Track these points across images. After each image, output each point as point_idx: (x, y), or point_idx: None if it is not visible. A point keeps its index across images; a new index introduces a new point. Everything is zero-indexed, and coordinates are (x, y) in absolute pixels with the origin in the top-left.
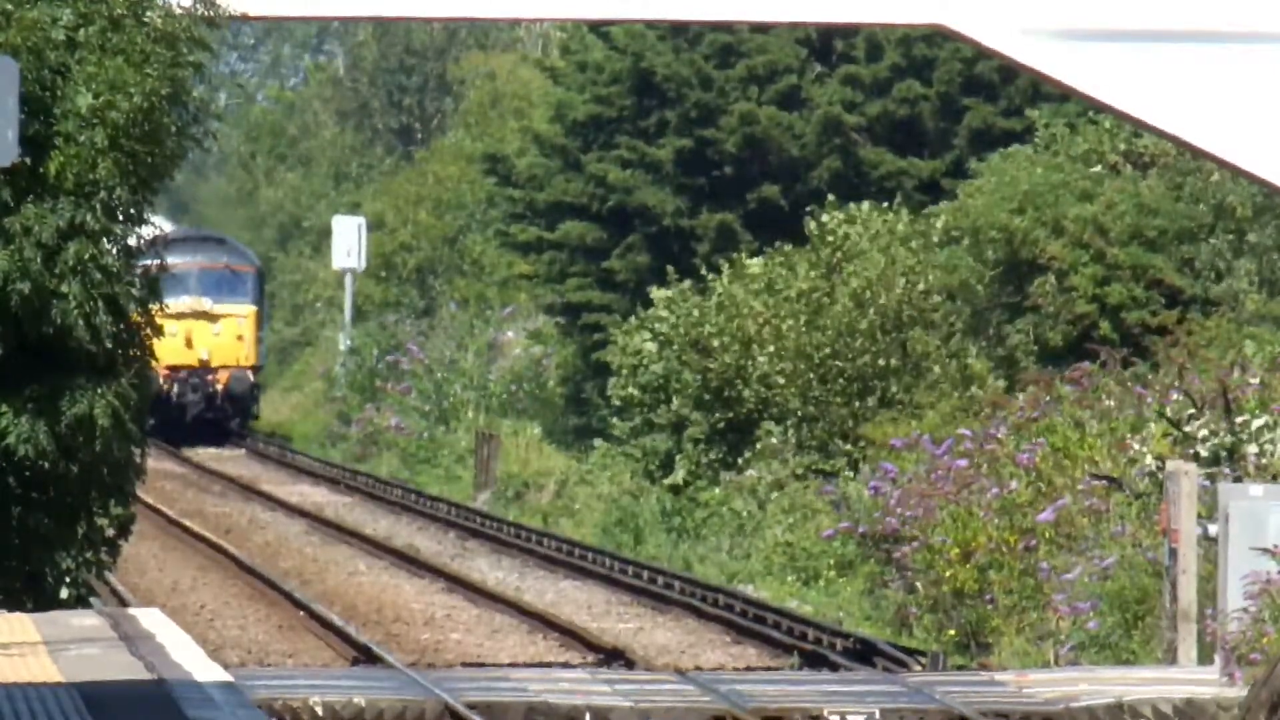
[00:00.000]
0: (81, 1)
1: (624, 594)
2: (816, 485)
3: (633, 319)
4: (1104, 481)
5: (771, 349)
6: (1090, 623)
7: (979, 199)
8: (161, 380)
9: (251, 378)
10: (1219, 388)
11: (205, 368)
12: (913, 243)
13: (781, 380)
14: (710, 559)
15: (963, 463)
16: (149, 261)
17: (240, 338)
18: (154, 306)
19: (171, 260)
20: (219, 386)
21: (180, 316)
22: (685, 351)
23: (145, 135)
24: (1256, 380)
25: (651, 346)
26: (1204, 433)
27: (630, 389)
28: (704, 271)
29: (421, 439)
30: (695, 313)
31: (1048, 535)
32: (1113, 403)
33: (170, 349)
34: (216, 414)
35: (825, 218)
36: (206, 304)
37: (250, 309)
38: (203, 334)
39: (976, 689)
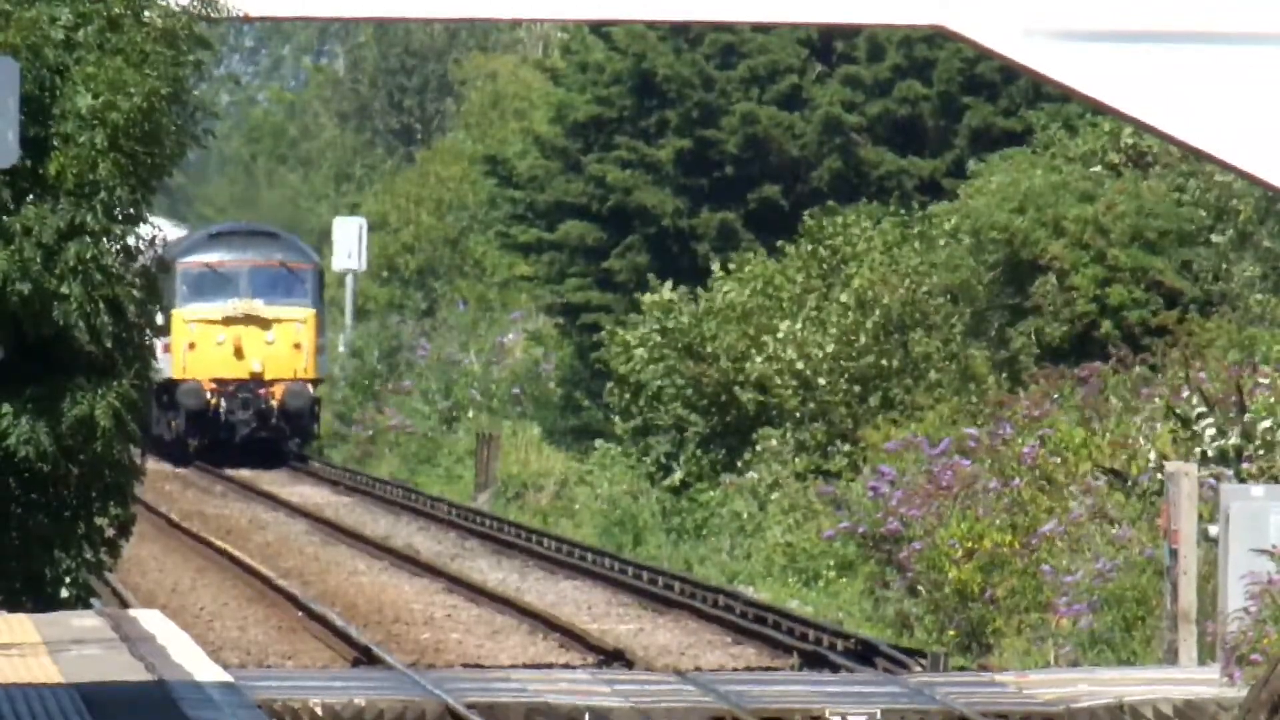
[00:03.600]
0: (80, 1)
1: (624, 595)
2: (817, 486)
3: (620, 326)
4: (1109, 476)
5: (769, 351)
6: (1082, 621)
7: (979, 200)
8: (208, 395)
9: (311, 392)
10: (1232, 387)
11: (257, 380)
12: (915, 244)
13: (778, 382)
14: (710, 560)
15: (966, 462)
16: (149, 261)
17: (298, 346)
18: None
19: (219, 257)
20: (273, 402)
21: (229, 322)
22: (679, 359)
23: (145, 135)
24: (1266, 381)
25: (642, 352)
26: (1211, 432)
27: (624, 395)
28: (703, 272)
29: (425, 438)
30: (686, 319)
31: (1049, 535)
32: (1119, 402)
33: (217, 359)
34: (271, 434)
35: (823, 221)
36: (259, 307)
37: (309, 312)
38: (254, 342)
39: (977, 690)
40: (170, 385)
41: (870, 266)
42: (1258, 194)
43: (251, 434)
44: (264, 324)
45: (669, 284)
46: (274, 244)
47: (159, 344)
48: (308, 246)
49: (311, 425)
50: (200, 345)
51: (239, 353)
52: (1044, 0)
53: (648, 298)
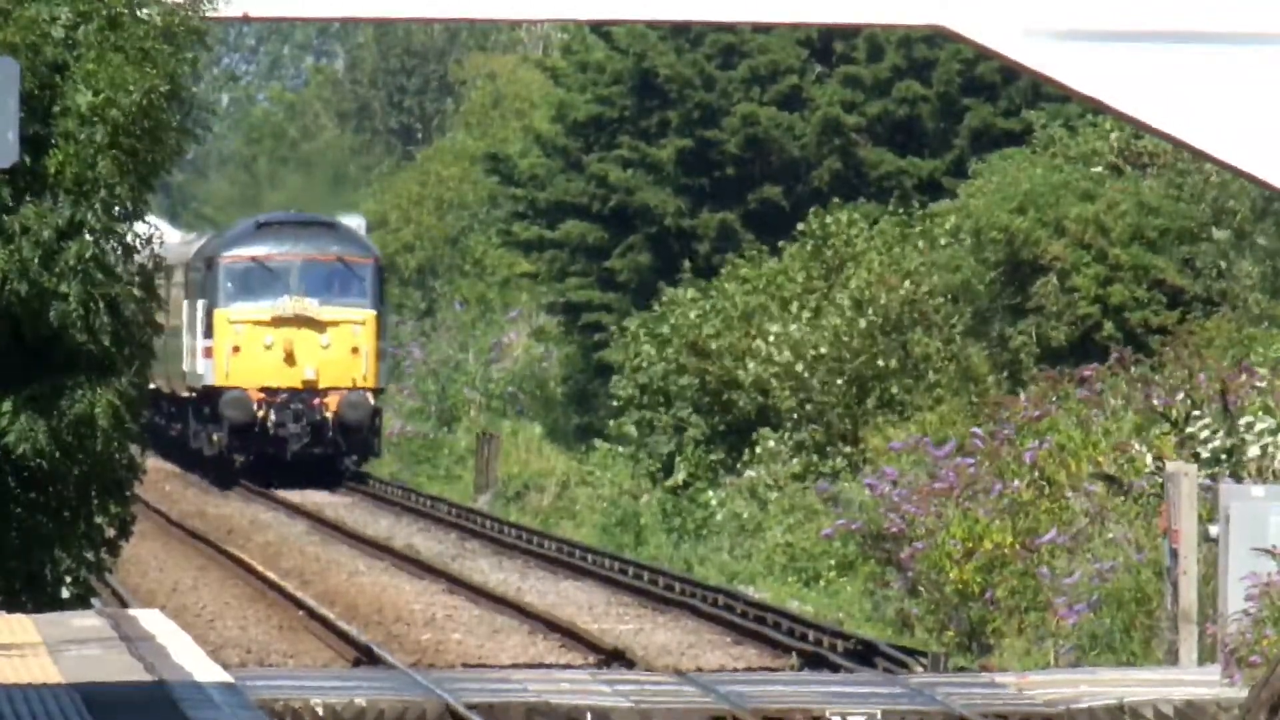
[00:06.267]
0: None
1: (624, 595)
2: (817, 485)
3: (634, 318)
4: (1105, 482)
5: (766, 353)
6: (1071, 617)
7: (980, 199)
8: (254, 405)
9: (371, 402)
10: (1220, 389)
11: (311, 389)
12: (917, 243)
13: (775, 383)
14: (710, 560)
15: (970, 460)
16: (147, 259)
17: (356, 350)
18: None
19: (267, 250)
20: (328, 413)
21: (278, 323)
22: (682, 354)
23: (145, 132)
24: (1263, 383)
25: (650, 348)
26: (1205, 434)
27: (631, 389)
28: (703, 271)
29: (425, 439)
30: (693, 315)
31: (1050, 544)
32: (1121, 401)
33: (266, 365)
34: (325, 449)
35: (828, 219)
36: (312, 307)
37: (368, 313)
38: (308, 346)
39: (977, 690)
40: (212, 394)
41: (868, 268)
42: (1254, 194)
43: (304, 449)
44: (318, 326)
45: (689, 289)
46: (329, 235)
47: (199, 348)
48: (367, 239)
49: (372, 440)
50: (246, 349)
51: (290, 358)
52: (1044, 0)
53: (671, 292)
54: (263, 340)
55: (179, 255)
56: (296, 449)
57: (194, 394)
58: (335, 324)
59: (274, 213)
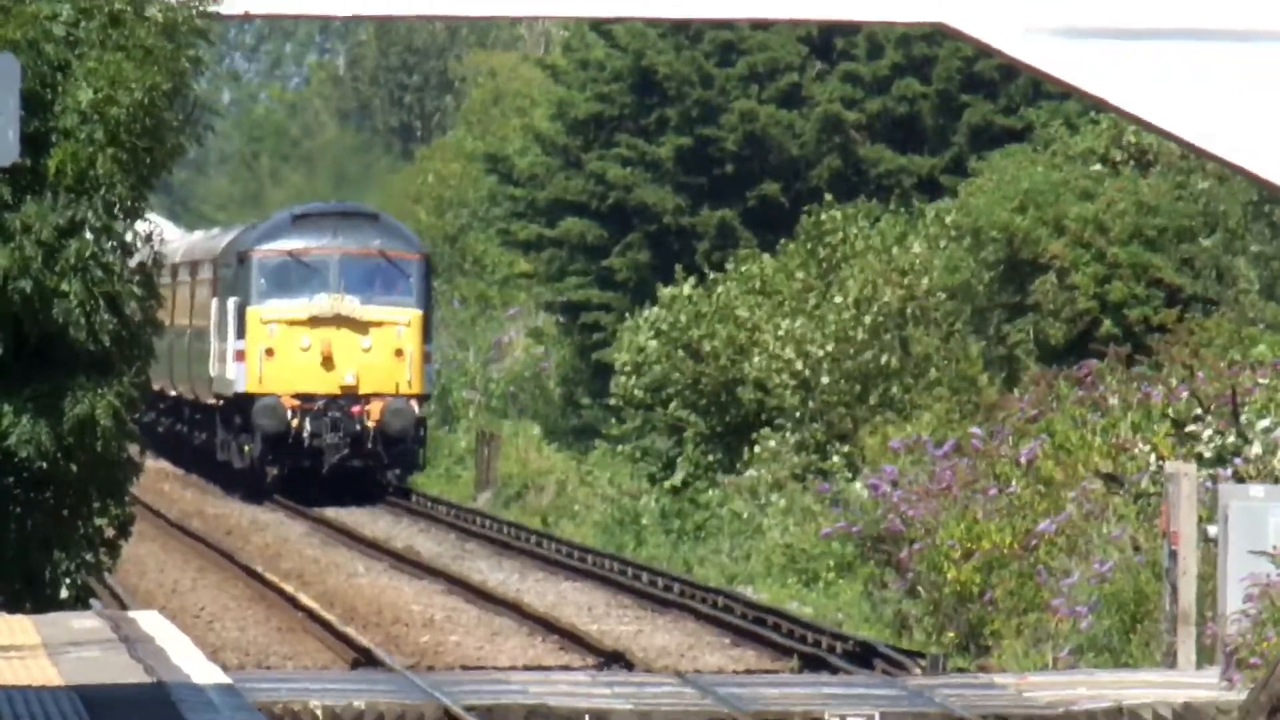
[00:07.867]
0: None
1: (624, 596)
2: (816, 487)
3: (634, 318)
4: (1106, 480)
5: (767, 351)
6: (1083, 623)
7: (979, 198)
8: (289, 413)
9: (416, 410)
10: (1227, 388)
11: (351, 396)
12: (914, 243)
13: (777, 381)
14: (710, 561)
15: (967, 461)
16: (147, 258)
17: (400, 353)
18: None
19: (304, 244)
20: (369, 422)
21: (316, 323)
22: (679, 357)
23: (146, 131)
24: (1265, 381)
25: (654, 344)
26: (1208, 433)
27: (633, 389)
28: (704, 270)
29: None
30: (684, 318)
31: (1047, 537)
32: (1116, 401)
33: (301, 369)
34: (366, 461)
35: (823, 216)
36: (353, 306)
37: (414, 313)
38: (347, 348)
39: (976, 692)
40: (243, 401)
41: (862, 267)
42: (1243, 198)
43: (342, 462)
44: (359, 326)
45: (691, 280)
46: (372, 228)
47: (229, 351)
48: (412, 233)
49: (416, 451)
50: (280, 352)
51: (328, 362)
52: None
53: (665, 291)
54: (298, 342)
55: (206, 250)
56: (334, 461)
57: (222, 401)
58: (378, 324)
59: (312, 203)
